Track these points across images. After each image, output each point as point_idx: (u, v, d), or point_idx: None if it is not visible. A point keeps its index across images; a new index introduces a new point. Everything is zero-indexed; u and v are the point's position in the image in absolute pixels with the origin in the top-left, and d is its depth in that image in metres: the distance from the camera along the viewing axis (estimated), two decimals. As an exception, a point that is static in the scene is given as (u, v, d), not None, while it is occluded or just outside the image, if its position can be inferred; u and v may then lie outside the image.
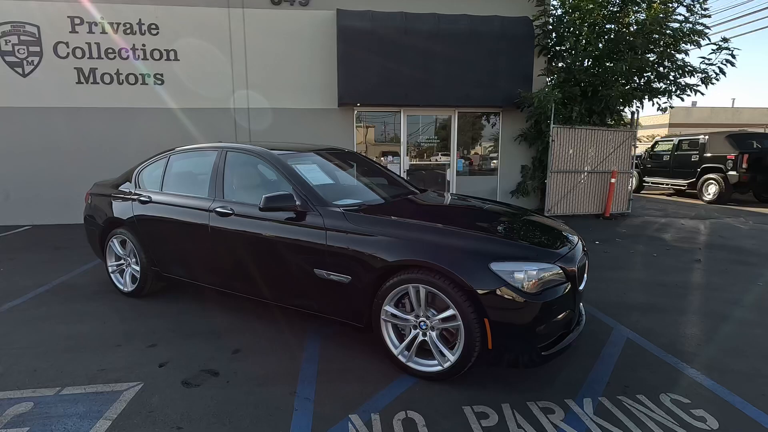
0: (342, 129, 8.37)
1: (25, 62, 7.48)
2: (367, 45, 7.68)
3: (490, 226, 2.92)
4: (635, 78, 8.35)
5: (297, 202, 2.95)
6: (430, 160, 8.88)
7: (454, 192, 8.73)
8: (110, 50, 7.59)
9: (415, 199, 3.59)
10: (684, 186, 12.31)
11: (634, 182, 13.98)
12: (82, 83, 7.62)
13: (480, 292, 2.35)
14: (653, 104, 8.56)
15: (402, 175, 8.51)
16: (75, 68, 7.56)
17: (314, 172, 3.42)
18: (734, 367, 2.80)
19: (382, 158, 8.66)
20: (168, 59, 7.75)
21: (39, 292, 4.24)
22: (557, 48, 8.53)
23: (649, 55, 8.04)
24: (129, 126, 7.75)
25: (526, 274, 2.37)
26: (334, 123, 8.31)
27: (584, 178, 8.53)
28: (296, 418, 2.25)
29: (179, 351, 2.99)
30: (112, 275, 4.16)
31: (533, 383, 2.59)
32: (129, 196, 3.96)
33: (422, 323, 2.59)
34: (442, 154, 8.84)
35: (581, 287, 2.74)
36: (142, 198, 3.84)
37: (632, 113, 8.81)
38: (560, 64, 8.62)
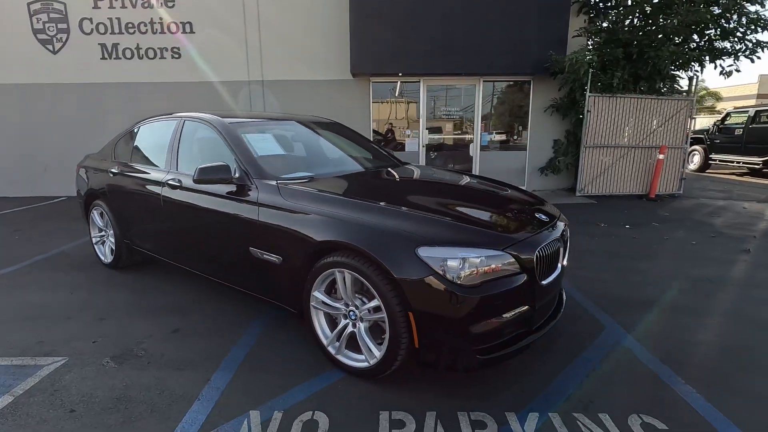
0: (359, 101, 7.99)
1: (54, 39, 7.78)
2: (381, 9, 7.18)
3: (437, 204, 2.49)
4: (694, 36, 7.15)
5: (235, 174, 2.71)
6: (452, 135, 8.30)
7: (474, 170, 8.14)
8: (130, 25, 7.69)
9: (383, 173, 3.21)
10: (759, 164, 10.72)
11: (698, 160, 12.50)
12: (106, 59, 7.82)
13: (404, 281, 2.00)
14: (715, 67, 7.33)
15: (421, 151, 8.07)
16: (99, 44, 7.76)
17: (267, 143, 3.15)
18: (744, 388, 2.23)
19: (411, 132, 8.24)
20: (184, 32, 7.73)
21: (35, 260, 4.40)
22: (600, 5, 7.49)
23: (713, 8, 6.81)
24: (150, 100, 7.83)
25: (461, 263, 1.97)
26: (349, 95, 7.95)
27: (625, 154, 7.59)
28: (194, 409, 2.05)
29: (122, 327, 2.92)
30: (95, 246, 4.21)
31: (479, 389, 2.22)
32: (104, 168, 3.93)
33: (351, 313, 2.29)
34: (465, 128, 8.23)
35: (549, 280, 2.28)
36: (113, 170, 3.80)
37: (690, 79, 7.64)
38: (604, 24, 7.58)
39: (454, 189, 2.99)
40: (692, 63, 7.34)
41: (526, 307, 2.16)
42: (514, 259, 2.08)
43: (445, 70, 7.54)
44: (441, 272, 1.96)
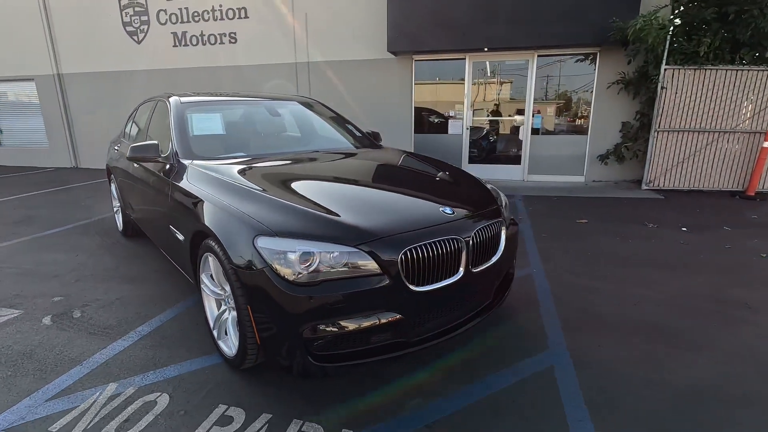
0: (399, 81, 7.68)
1: (138, 31, 8.79)
2: (422, -19, 6.73)
3: (315, 190, 2.26)
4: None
5: (163, 153, 2.78)
6: (501, 117, 7.55)
7: (524, 156, 7.31)
8: (195, 13, 8.35)
9: (324, 156, 3.01)
10: None
11: None
12: (177, 46, 8.62)
13: (242, 271, 1.86)
14: None
15: (465, 134, 7.53)
16: (171, 33, 8.58)
17: (211, 123, 3.16)
18: (675, 453, 1.67)
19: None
20: (240, 17, 8.16)
21: (79, 224, 5.10)
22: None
23: None
24: (211, 83, 8.53)
25: (301, 257, 1.76)
26: (390, 75, 7.67)
27: (714, 141, 6.18)
28: (69, 374, 2.19)
29: (85, 289, 3.22)
30: (115, 215, 4.72)
31: (342, 398, 2.00)
32: (113, 145, 4.35)
33: (228, 299, 2.21)
34: (515, 109, 7.44)
35: (435, 287, 1.93)
36: (116, 146, 4.19)
37: (820, 44, 5.86)
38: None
39: (368, 173, 2.69)
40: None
41: (396, 315, 1.88)
42: (371, 258, 1.80)
43: (492, 44, 6.84)
44: (276, 266, 1.77)
